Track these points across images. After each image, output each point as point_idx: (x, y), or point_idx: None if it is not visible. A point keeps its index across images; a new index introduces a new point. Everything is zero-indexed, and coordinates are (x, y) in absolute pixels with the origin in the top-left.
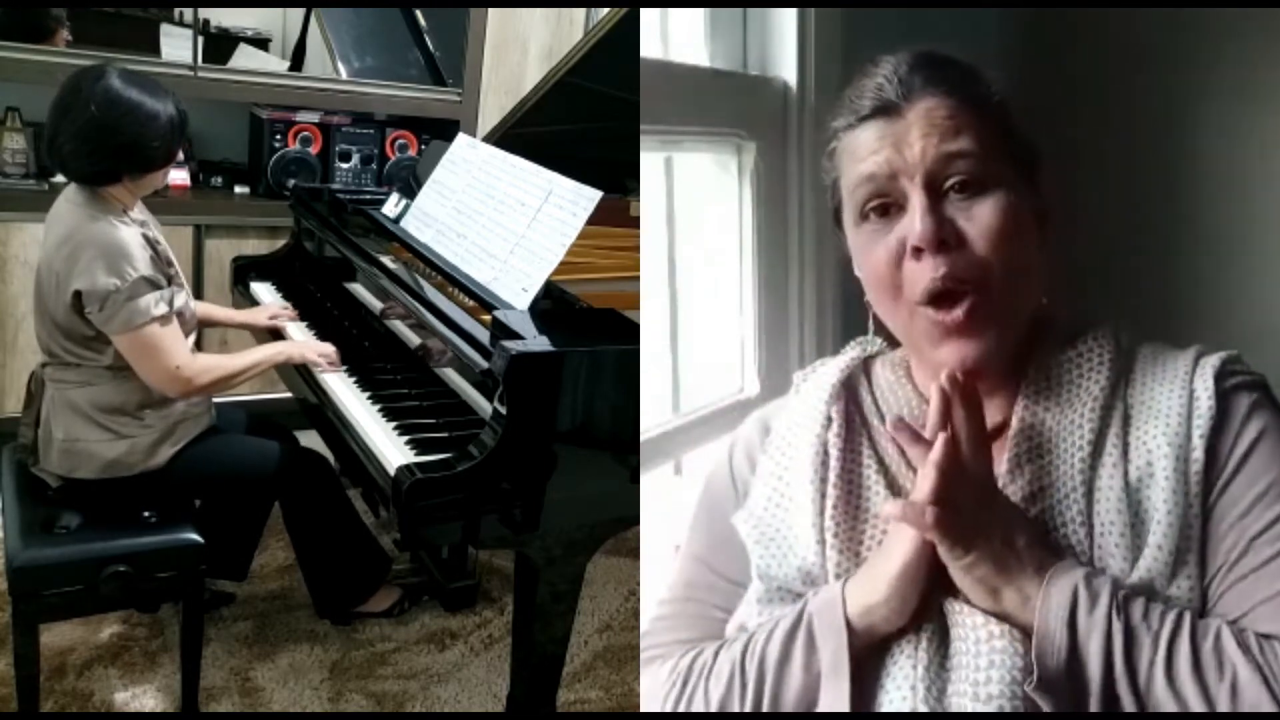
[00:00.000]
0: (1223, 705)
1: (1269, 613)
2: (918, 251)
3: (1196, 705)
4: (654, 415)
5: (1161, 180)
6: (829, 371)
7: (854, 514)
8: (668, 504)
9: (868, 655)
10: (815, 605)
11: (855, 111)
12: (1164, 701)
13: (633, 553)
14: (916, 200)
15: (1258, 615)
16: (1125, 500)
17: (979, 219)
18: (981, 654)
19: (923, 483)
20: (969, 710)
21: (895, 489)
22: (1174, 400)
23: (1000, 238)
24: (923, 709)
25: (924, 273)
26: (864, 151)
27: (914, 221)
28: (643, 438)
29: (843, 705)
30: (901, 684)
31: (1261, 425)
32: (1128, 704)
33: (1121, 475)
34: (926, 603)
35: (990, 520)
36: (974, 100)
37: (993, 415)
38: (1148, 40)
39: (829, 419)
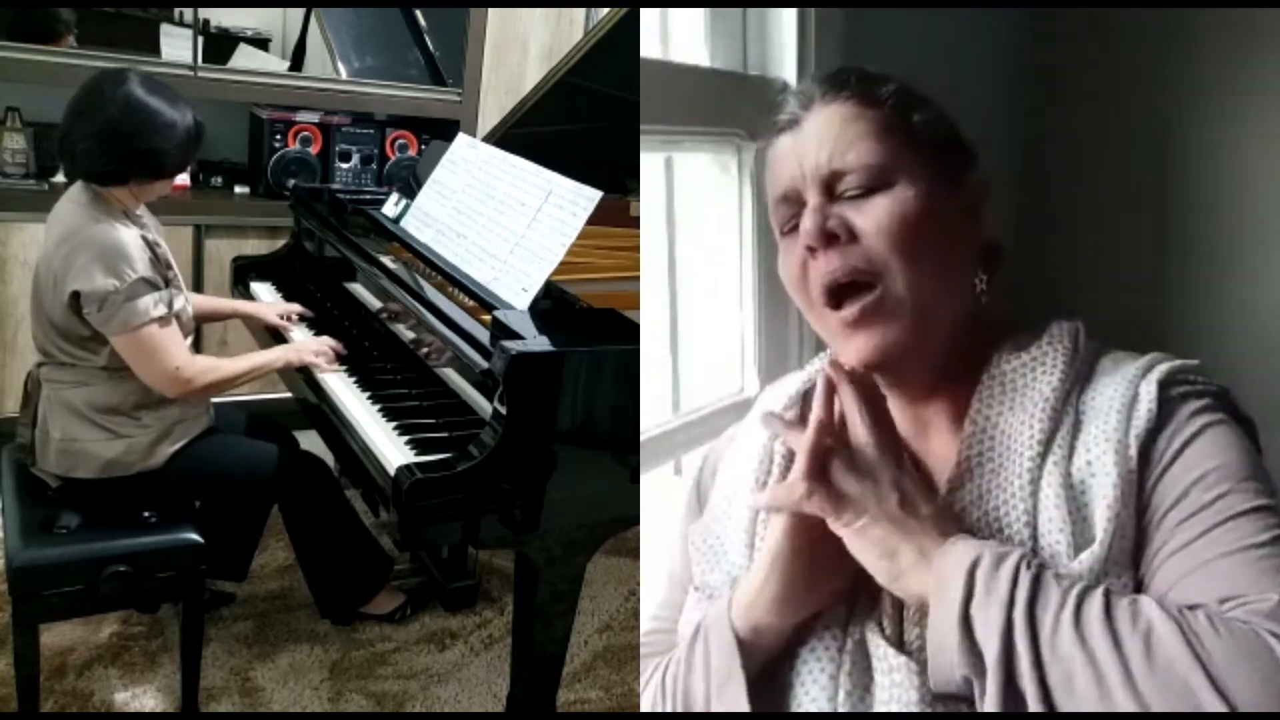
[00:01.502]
0: (1136, 660)
1: (1198, 581)
2: (811, 251)
3: (1107, 660)
4: (654, 415)
5: (1137, 186)
6: (789, 382)
7: None
8: (668, 504)
9: (778, 683)
10: (712, 611)
11: (770, 128)
12: (1069, 655)
13: (633, 553)
14: (810, 202)
15: (1187, 585)
16: (1067, 499)
17: (871, 213)
18: (884, 686)
19: (796, 463)
20: None
21: None
22: (1116, 400)
23: (896, 230)
24: None
25: (818, 270)
26: (776, 167)
27: (804, 221)
28: (643, 438)
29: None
30: (825, 707)
31: (1203, 423)
32: (1024, 665)
33: (1063, 474)
34: (844, 629)
35: (887, 487)
36: (872, 102)
37: (949, 420)
38: (1135, 42)
39: None
